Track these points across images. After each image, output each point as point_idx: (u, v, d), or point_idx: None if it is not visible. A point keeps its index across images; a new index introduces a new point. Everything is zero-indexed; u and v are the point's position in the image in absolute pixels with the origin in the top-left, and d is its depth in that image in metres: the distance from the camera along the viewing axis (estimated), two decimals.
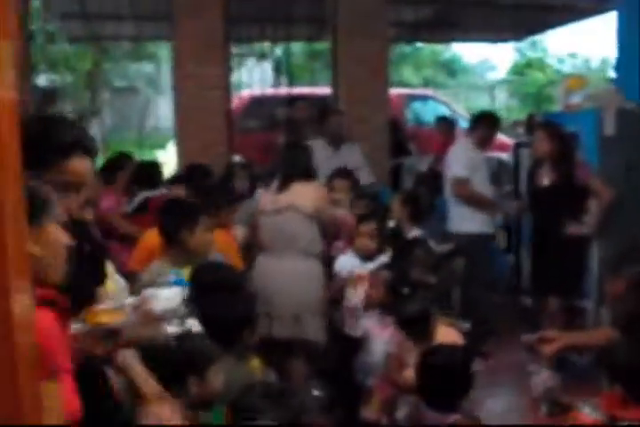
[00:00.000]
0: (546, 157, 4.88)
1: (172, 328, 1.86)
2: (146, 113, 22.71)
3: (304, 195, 3.88)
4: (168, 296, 1.84)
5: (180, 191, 4.22)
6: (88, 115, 20.22)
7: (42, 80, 18.39)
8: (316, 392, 4.40)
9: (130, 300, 2.07)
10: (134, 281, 3.01)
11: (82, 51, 18.75)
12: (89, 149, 1.74)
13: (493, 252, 5.82)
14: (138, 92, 22.78)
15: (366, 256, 3.95)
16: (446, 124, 8.52)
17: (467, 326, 4.54)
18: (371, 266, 3.83)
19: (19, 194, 1.08)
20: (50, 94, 18.90)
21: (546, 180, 4.92)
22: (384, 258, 3.89)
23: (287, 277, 3.84)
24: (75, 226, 1.99)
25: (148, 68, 22.17)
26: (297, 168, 3.97)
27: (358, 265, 3.92)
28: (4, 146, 1.05)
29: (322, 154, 5.53)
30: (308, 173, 3.98)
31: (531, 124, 6.65)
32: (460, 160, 5.25)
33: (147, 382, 2.04)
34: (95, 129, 20.42)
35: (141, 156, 12.32)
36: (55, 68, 19.32)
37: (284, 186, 3.94)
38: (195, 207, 3.22)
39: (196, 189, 4.08)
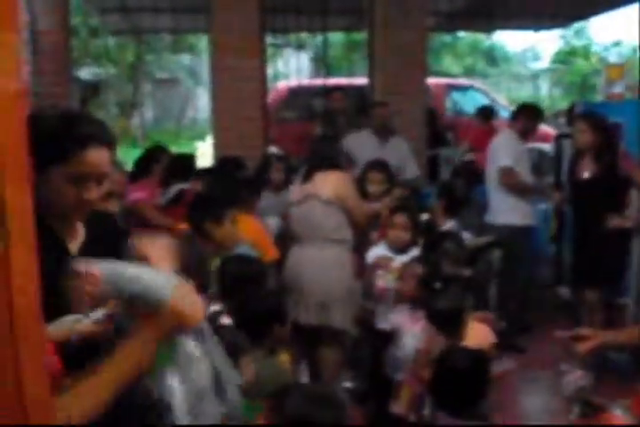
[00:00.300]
0: (587, 149, 4.76)
1: None
2: (186, 105, 22.92)
3: (325, 183, 3.89)
4: None
5: (198, 186, 4.23)
6: (130, 106, 20.51)
7: (85, 73, 18.73)
8: (347, 384, 4.40)
9: None
10: None
11: (123, 44, 18.98)
12: (107, 141, 1.76)
13: (534, 244, 5.70)
14: (179, 83, 23.00)
15: (399, 249, 3.90)
16: (485, 114, 8.40)
17: (502, 324, 4.48)
18: (403, 258, 3.78)
19: (24, 187, 1.08)
20: (93, 87, 19.24)
21: (587, 172, 4.80)
22: (416, 251, 3.84)
23: (314, 266, 3.85)
24: (97, 217, 2.00)
25: (188, 59, 22.37)
26: (322, 159, 3.99)
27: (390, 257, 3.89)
28: (7, 136, 1.04)
29: (368, 146, 5.52)
30: (333, 164, 3.98)
31: (572, 115, 6.50)
32: (505, 150, 5.22)
33: None
34: (137, 121, 20.73)
35: (180, 147, 12.47)
36: (99, 61, 19.64)
37: (308, 176, 3.97)
38: (221, 200, 3.21)
39: (224, 181, 4.09)
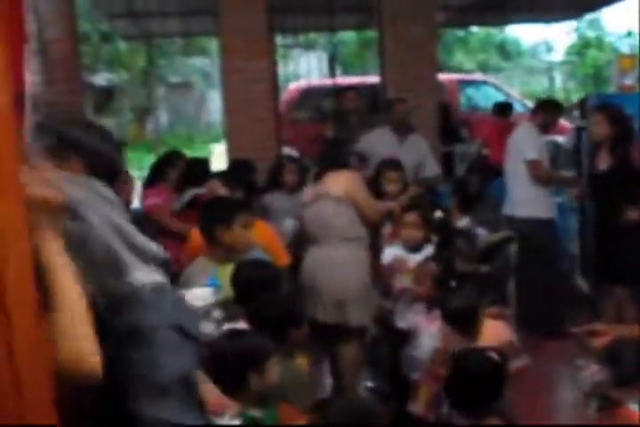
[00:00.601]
0: (602, 141, 4.72)
1: (206, 328, 1.85)
2: (200, 108, 22.97)
3: (335, 182, 3.93)
4: (198, 296, 1.84)
5: (213, 186, 4.22)
6: (144, 111, 20.58)
7: (99, 79, 18.86)
8: (368, 383, 4.39)
9: None
10: None
11: (135, 48, 19.02)
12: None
13: (555, 237, 5.65)
14: (192, 86, 23.05)
15: (413, 247, 3.89)
16: (502, 110, 8.35)
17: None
18: (417, 257, 3.77)
19: (18, 196, 1.09)
20: (106, 93, 19.37)
21: (603, 164, 4.77)
22: (430, 249, 3.83)
23: (331, 265, 3.87)
24: None
25: (201, 62, 22.41)
26: (332, 160, 4.05)
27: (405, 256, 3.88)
28: None
29: (386, 143, 5.50)
30: (343, 165, 4.04)
31: (584, 108, 6.44)
32: (528, 143, 5.23)
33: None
34: (151, 125, 20.81)
35: (195, 151, 12.50)
36: (111, 67, 19.72)
37: (319, 177, 4.02)
38: (231, 204, 3.22)
39: (235, 184, 4.09)
